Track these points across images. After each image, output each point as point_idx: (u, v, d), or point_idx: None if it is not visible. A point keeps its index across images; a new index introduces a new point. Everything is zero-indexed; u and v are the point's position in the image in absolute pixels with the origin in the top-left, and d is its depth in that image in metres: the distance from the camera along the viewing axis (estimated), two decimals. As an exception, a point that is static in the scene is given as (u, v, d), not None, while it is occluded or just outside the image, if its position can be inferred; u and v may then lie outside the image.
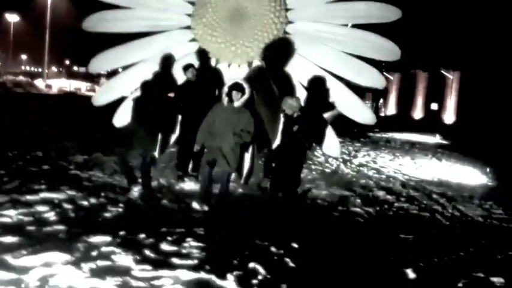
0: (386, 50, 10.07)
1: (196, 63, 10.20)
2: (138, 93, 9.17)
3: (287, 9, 10.36)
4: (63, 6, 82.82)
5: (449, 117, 56.45)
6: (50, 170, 10.41)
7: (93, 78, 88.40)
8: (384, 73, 68.57)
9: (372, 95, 73.59)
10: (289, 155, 8.73)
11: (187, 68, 9.81)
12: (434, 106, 59.56)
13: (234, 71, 10.31)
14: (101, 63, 11.05)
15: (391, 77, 67.81)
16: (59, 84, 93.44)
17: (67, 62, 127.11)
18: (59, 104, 38.08)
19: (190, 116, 9.60)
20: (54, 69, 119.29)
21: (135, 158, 9.18)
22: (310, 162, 14.14)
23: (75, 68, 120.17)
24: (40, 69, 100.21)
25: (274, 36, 10.20)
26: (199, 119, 8.88)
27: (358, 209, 9.41)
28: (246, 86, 8.46)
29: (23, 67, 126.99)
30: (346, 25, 10.66)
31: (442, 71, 57.77)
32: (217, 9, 10.37)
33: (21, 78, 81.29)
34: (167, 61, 10.48)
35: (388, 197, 10.83)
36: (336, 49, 10.17)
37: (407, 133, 32.68)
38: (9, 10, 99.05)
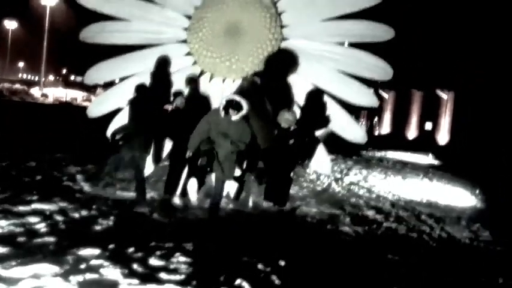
0: (379, 69, 10.16)
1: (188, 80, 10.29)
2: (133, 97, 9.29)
3: (282, 26, 10.44)
4: (62, 15, 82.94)
5: (443, 137, 56.59)
6: (43, 181, 10.46)
7: (90, 88, 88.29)
8: (379, 91, 68.98)
9: (366, 114, 73.83)
10: (281, 168, 8.83)
11: (176, 95, 9.80)
12: (428, 126, 59.73)
13: (228, 86, 10.40)
14: (96, 74, 11.11)
15: (386, 96, 68.06)
16: (56, 94, 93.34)
17: (64, 71, 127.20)
18: (54, 113, 38.16)
19: (178, 143, 9.56)
20: (51, 78, 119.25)
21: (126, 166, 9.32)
22: (302, 179, 14.23)
23: (72, 77, 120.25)
24: (37, 78, 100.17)
25: (269, 52, 10.29)
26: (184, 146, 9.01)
27: (346, 228, 9.46)
28: (243, 102, 8.45)
29: (20, 75, 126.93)
30: (342, 43, 10.81)
31: (437, 91, 58.01)
32: (214, 24, 10.45)
33: (17, 86, 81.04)
34: (162, 71, 10.58)
35: (377, 216, 10.89)
36: (329, 67, 10.26)
37: (400, 152, 32.77)
38: (8, 17, 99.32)
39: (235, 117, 8.40)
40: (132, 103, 9.19)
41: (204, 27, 10.48)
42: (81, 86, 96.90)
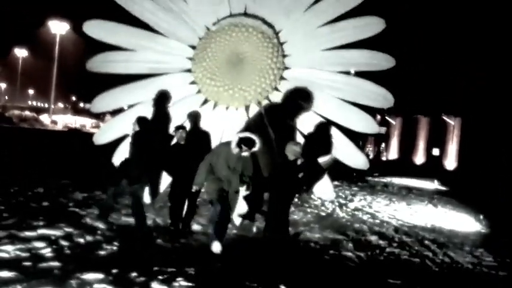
0: (380, 97, 10.28)
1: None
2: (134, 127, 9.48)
3: (284, 56, 10.68)
4: (71, 43, 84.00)
5: (450, 163, 56.60)
6: (50, 207, 10.66)
7: (99, 115, 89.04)
8: (386, 117, 69.16)
9: (373, 140, 73.95)
10: (286, 198, 8.99)
11: (177, 129, 9.93)
12: (435, 151, 59.80)
13: (231, 114, 10.61)
14: (103, 103, 11.35)
15: (393, 122, 68.25)
16: (65, 120, 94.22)
17: (73, 98, 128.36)
18: (63, 140, 38.51)
19: (179, 176, 9.72)
20: (60, 105, 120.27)
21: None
22: (307, 205, 14.36)
23: (82, 105, 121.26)
24: (46, 105, 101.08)
25: (271, 81, 10.52)
26: (188, 179, 9.22)
27: (349, 253, 9.57)
28: (256, 139, 8.64)
29: (29, 102, 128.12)
30: (347, 72, 10.95)
31: (444, 117, 58.20)
32: (217, 53, 10.72)
33: (27, 113, 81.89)
34: (164, 100, 10.82)
35: (381, 241, 10.99)
36: (330, 95, 10.43)
37: (406, 178, 32.79)
38: (18, 45, 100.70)
39: (246, 153, 8.59)
40: (134, 133, 9.38)
41: (208, 57, 10.76)
42: (90, 113, 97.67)
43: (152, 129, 9.65)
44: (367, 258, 9.45)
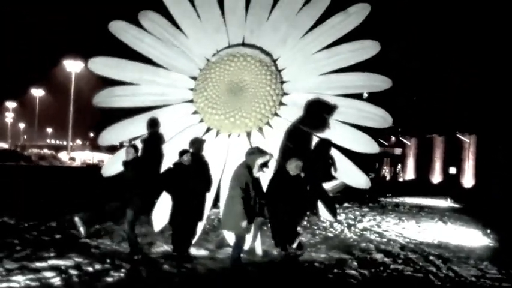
0: (379, 117, 10.41)
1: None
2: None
3: (283, 82, 10.99)
4: (87, 80, 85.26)
5: (468, 180, 56.28)
6: (61, 239, 11.02)
7: (117, 151, 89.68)
8: (401, 138, 69.12)
9: (389, 161, 73.90)
10: (292, 212, 9.24)
11: (184, 152, 10.16)
12: (452, 170, 59.53)
13: (234, 141, 10.93)
14: (109, 136, 11.74)
15: (408, 142, 68.18)
16: (83, 157, 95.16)
17: (91, 135, 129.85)
18: (80, 175, 39.09)
19: (180, 201, 9.95)
20: (79, 142, 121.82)
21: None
22: (315, 227, 14.55)
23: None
24: (65, 142, 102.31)
25: (270, 107, 10.82)
26: (189, 204, 9.64)
27: (353, 271, 9.71)
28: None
29: (48, 140, 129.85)
30: (345, 95, 11.12)
31: (458, 135, 58.06)
32: (218, 83, 11.10)
33: (45, 151, 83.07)
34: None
35: (386, 259, 11.12)
36: (330, 118, 10.67)
37: (419, 197, 32.67)
38: (34, 85, 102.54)
39: (258, 174, 8.91)
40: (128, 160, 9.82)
41: (208, 86, 11.14)
42: (108, 149, 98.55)
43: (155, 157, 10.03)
44: (370, 276, 9.60)
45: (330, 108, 10.63)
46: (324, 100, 10.74)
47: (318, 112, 10.65)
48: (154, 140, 11.22)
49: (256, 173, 8.95)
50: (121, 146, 11.80)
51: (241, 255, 9.25)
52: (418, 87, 56.66)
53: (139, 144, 10.91)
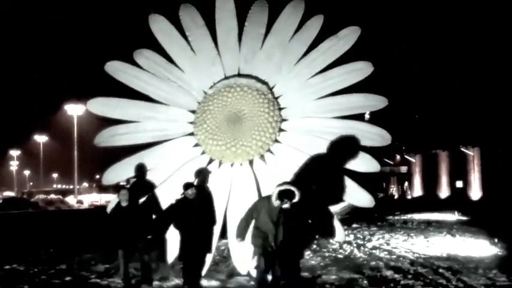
0: (377, 136, 10.49)
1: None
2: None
3: (281, 109, 11.16)
4: (89, 122, 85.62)
5: (475, 193, 56.16)
6: (72, 281, 11.06)
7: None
8: (406, 156, 69.17)
9: (396, 179, 73.82)
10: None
11: (188, 186, 10.12)
12: (459, 184, 59.46)
13: (236, 170, 11.05)
14: (113, 174, 11.85)
15: (412, 160, 68.22)
16: (90, 199, 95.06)
17: (97, 177, 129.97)
18: (88, 217, 39.03)
19: (187, 234, 10.00)
20: (85, 184, 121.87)
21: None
22: (325, 250, 14.58)
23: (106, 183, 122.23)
24: (71, 186, 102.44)
25: (270, 134, 10.95)
26: (194, 234, 9.76)
27: (365, 290, 9.79)
28: (296, 191, 8.71)
29: (54, 185, 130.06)
30: (343, 117, 11.18)
31: (462, 149, 58.12)
32: (216, 114, 11.29)
33: (52, 196, 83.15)
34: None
35: (396, 275, 11.14)
36: (329, 141, 10.78)
37: (427, 213, 32.57)
38: (37, 131, 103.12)
39: (286, 205, 8.74)
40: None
41: (208, 118, 11.33)
42: (115, 189, 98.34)
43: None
44: (381, 292, 9.66)
45: (328, 132, 10.74)
46: (321, 124, 10.88)
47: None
48: (145, 183, 11.40)
49: (274, 201, 8.88)
50: (128, 183, 11.88)
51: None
52: (418, 103, 56.91)
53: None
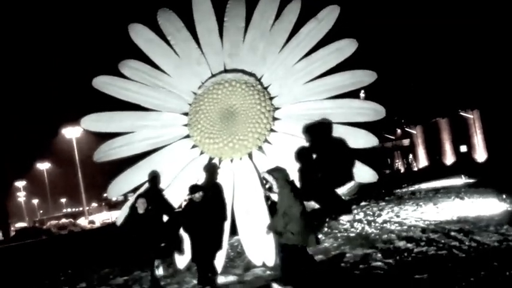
0: (370, 110, 10.55)
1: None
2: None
3: (271, 98, 11.26)
4: (88, 143, 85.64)
5: (480, 155, 56.12)
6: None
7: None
8: (406, 129, 69.18)
9: (400, 153, 73.86)
10: None
11: (194, 190, 10.05)
12: (463, 148, 59.40)
13: (237, 165, 11.15)
14: (117, 188, 11.90)
15: (414, 132, 68.23)
16: (101, 218, 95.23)
17: (105, 195, 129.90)
18: (101, 235, 39.19)
19: (197, 235, 9.99)
20: (94, 204, 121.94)
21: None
22: (336, 231, 14.68)
23: (114, 199, 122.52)
24: (81, 208, 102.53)
25: (265, 124, 11.04)
26: (204, 234, 9.81)
27: (378, 263, 9.86)
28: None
29: (64, 210, 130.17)
30: (333, 97, 11.24)
31: (461, 113, 58.05)
32: (209, 113, 11.39)
33: (64, 220, 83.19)
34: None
35: (408, 245, 11.24)
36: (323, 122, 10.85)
37: (434, 181, 32.59)
38: (38, 159, 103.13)
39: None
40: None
41: (201, 119, 11.43)
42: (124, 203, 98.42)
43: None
44: (395, 263, 9.74)
45: (320, 114, 10.79)
46: (313, 107, 10.96)
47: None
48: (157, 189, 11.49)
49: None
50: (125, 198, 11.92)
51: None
52: (411, 73, 56.83)
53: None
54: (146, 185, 11.53)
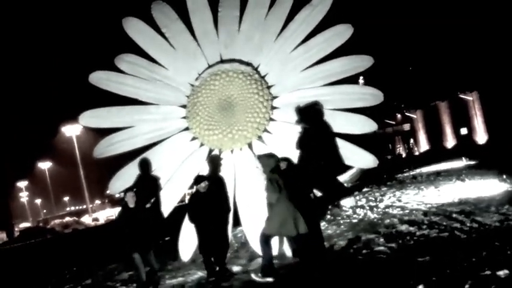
0: (369, 95, 10.54)
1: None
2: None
3: (269, 87, 11.24)
4: (89, 140, 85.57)
5: (481, 137, 56.08)
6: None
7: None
8: (406, 114, 69.09)
9: (400, 138, 73.78)
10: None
11: (199, 181, 10.18)
12: (464, 131, 59.39)
13: (237, 155, 11.16)
14: (118, 183, 11.88)
15: (414, 116, 68.15)
16: (105, 215, 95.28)
17: (108, 192, 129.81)
18: (105, 231, 39.28)
19: (203, 226, 10.06)
20: (98, 202, 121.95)
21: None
22: (339, 218, 14.70)
23: (117, 195, 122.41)
24: (84, 206, 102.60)
25: (264, 114, 11.04)
26: (209, 225, 9.91)
27: (381, 248, 9.89)
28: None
29: (67, 208, 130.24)
30: (331, 83, 11.20)
31: (461, 95, 57.98)
32: (207, 104, 11.37)
33: (67, 219, 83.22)
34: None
35: (411, 228, 11.27)
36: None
37: (436, 164, 32.65)
38: (39, 159, 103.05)
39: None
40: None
41: (199, 110, 11.42)
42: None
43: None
44: (398, 247, 9.77)
45: (319, 99, 10.78)
46: (311, 94, 10.94)
47: (308, 110, 10.81)
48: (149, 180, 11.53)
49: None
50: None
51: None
52: (409, 57, 56.61)
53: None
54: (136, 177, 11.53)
